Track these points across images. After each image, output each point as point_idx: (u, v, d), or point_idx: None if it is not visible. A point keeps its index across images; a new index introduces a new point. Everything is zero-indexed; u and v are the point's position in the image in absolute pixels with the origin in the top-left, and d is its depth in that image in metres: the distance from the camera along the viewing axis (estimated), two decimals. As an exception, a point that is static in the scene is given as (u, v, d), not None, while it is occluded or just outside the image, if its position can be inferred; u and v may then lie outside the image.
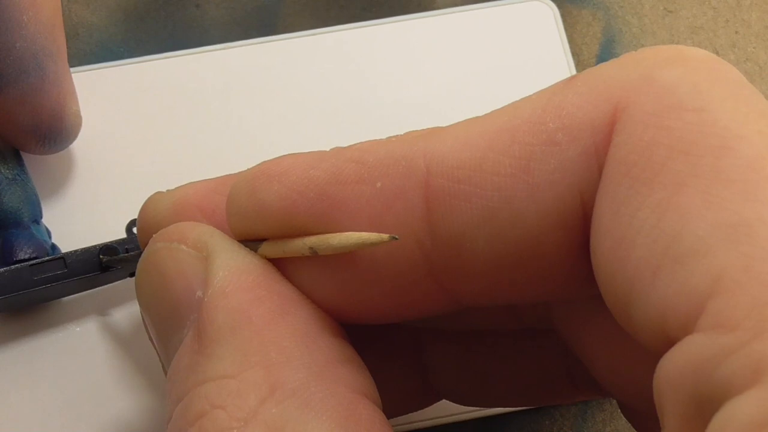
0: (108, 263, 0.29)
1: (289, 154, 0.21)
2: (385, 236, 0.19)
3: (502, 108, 0.20)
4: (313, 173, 0.20)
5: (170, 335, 0.21)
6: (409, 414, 0.29)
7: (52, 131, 0.30)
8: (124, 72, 0.34)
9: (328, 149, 0.21)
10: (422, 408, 0.28)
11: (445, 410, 0.30)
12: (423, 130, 0.20)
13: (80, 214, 0.32)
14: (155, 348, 0.23)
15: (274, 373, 0.19)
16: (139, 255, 0.23)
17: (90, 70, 0.34)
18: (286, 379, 0.19)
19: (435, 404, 0.28)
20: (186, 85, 0.34)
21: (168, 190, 0.25)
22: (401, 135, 0.21)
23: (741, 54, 0.36)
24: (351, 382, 0.20)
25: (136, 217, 0.26)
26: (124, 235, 0.30)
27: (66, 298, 0.30)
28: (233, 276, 0.20)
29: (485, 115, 0.20)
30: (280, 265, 0.21)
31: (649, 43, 0.37)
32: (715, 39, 0.37)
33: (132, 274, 0.30)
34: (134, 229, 0.29)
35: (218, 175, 0.25)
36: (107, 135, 0.33)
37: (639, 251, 0.17)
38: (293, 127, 0.34)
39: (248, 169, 0.21)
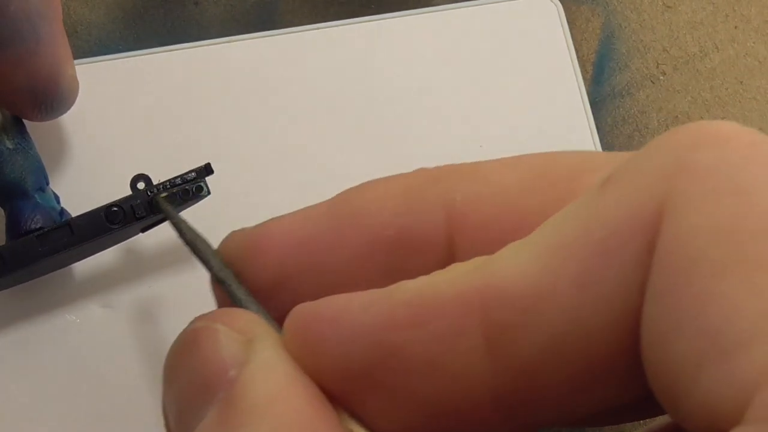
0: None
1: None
2: None
3: (543, 227, 0.19)
4: (366, 319, 0.19)
5: (194, 415, 0.20)
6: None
7: (49, 95, 0.29)
8: (123, 65, 0.34)
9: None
10: None
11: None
12: (468, 262, 0.20)
13: (88, 175, 0.32)
14: None
15: None
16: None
17: (91, 62, 0.34)
18: None
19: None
20: (184, 79, 0.34)
21: (248, 229, 0.24)
22: (447, 270, 0.20)
23: (740, 49, 0.36)
24: None
25: (140, 172, 0.25)
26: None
27: (68, 283, 0.30)
28: (278, 356, 0.20)
29: (531, 236, 0.19)
30: None
31: (648, 39, 0.37)
32: (714, 34, 0.37)
33: (144, 229, 0.30)
34: (139, 185, 0.29)
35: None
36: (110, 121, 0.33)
37: (683, 344, 0.16)
38: (292, 121, 0.34)
39: (298, 312, 0.20)
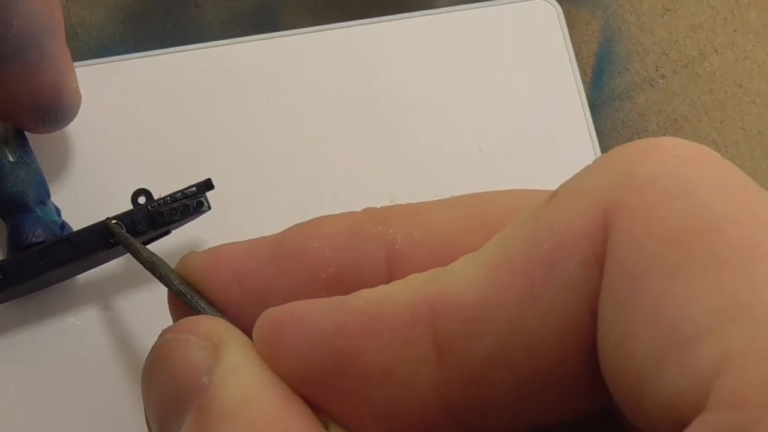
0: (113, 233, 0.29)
1: (301, 303, 0.21)
2: None
3: (493, 240, 0.20)
4: (325, 325, 0.20)
5: (173, 424, 0.21)
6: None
7: (52, 109, 0.30)
8: (124, 67, 0.34)
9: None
10: None
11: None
12: (424, 273, 0.20)
13: (89, 188, 0.32)
14: None
15: None
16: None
17: (91, 64, 0.34)
18: None
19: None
20: (184, 81, 0.34)
21: (202, 251, 0.25)
22: (405, 280, 0.21)
23: (740, 52, 0.37)
24: None
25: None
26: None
27: (68, 286, 0.30)
28: (245, 358, 0.20)
29: (482, 249, 0.20)
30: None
31: (648, 42, 0.37)
32: (713, 37, 0.37)
33: (145, 243, 0.30)
34: (140, 200, 0.29)
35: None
36: (112, 123, 0.33)
37: (644, 343, 0.17)
38: (292, 123, 0.34)
39: (263, 318, 0.21)
